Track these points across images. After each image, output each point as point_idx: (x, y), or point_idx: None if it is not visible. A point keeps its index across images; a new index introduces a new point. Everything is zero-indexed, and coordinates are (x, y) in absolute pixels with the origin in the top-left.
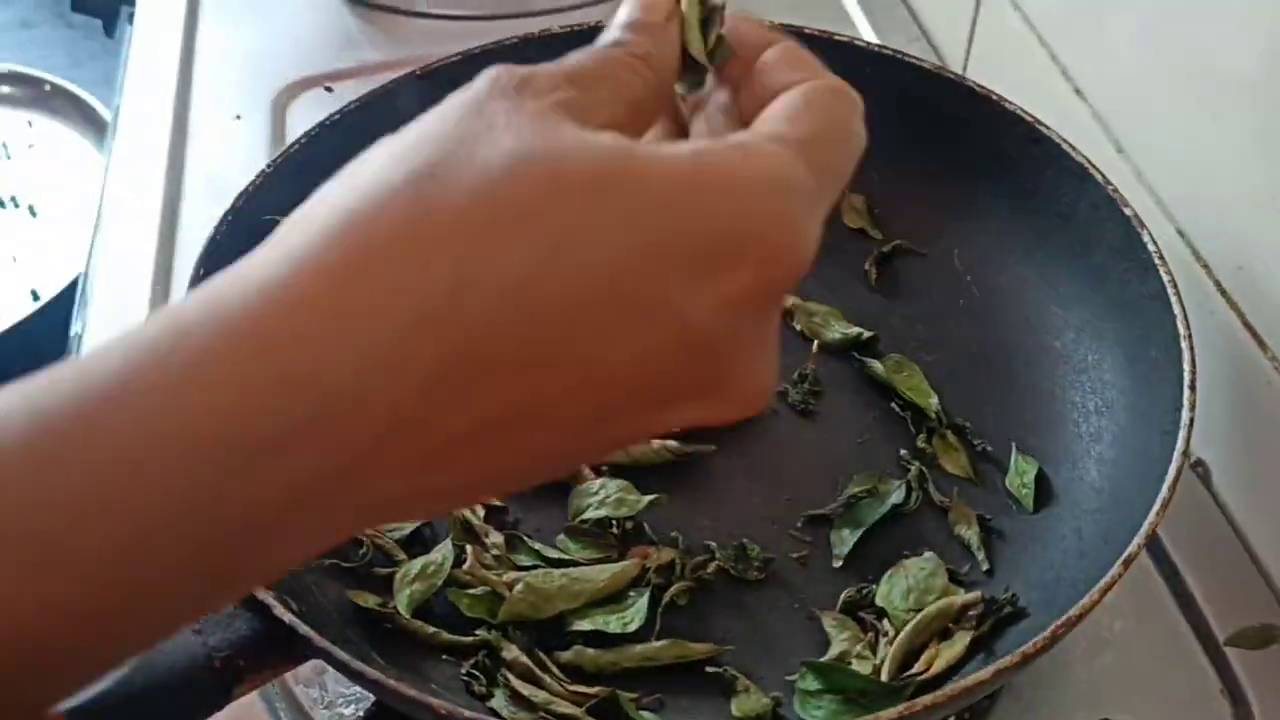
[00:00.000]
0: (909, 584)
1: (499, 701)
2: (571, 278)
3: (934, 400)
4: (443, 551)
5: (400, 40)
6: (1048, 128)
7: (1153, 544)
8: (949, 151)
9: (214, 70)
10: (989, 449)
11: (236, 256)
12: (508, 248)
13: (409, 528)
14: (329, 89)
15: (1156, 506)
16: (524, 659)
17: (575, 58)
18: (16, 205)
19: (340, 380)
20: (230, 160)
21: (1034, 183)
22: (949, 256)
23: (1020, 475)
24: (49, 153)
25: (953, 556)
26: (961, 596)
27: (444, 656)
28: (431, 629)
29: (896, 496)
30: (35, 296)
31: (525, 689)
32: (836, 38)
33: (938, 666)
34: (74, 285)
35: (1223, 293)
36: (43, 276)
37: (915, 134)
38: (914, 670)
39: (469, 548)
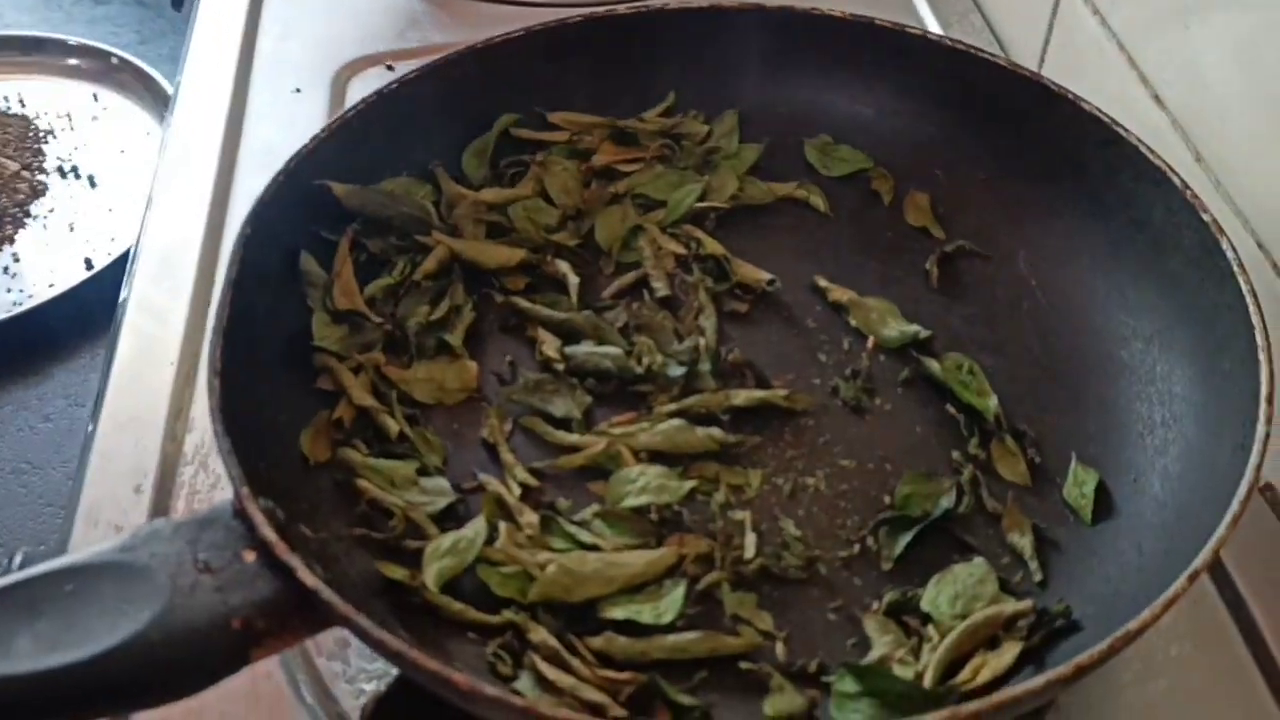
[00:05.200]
0: (957, 590)
1: (524, 684)
2: None
3: (993, 403)
4: (475, 528)
5: (465, 23)
6: (1125, 129)
7: (1216, 569)
8: (1019, 151)
9: (276, 46)
10: (1047, 457)
11: (284, 219)
12: None
13: (443, 502)
14: (390, 67)
15: (1227, 520)
16: (552, 642)
17: None
18: (77, 176)
19: None
20: (287, 133)
21: (1108, 186)
22: (1014, 258)
23: (1079, 485)
24: (112, 126)
25: (1004, 565)
26: (1012, 605)
27: (470, 635)
28: (459, 606)
29: (948, 500)
30: (89, 265)
31: (551, 673)
32: (909, 30)
33: (984, 676)
34: (126, 255)
35: None
36: (97, 245)
37: (984, 132)
38: (959, 679)
39: (502, 526)
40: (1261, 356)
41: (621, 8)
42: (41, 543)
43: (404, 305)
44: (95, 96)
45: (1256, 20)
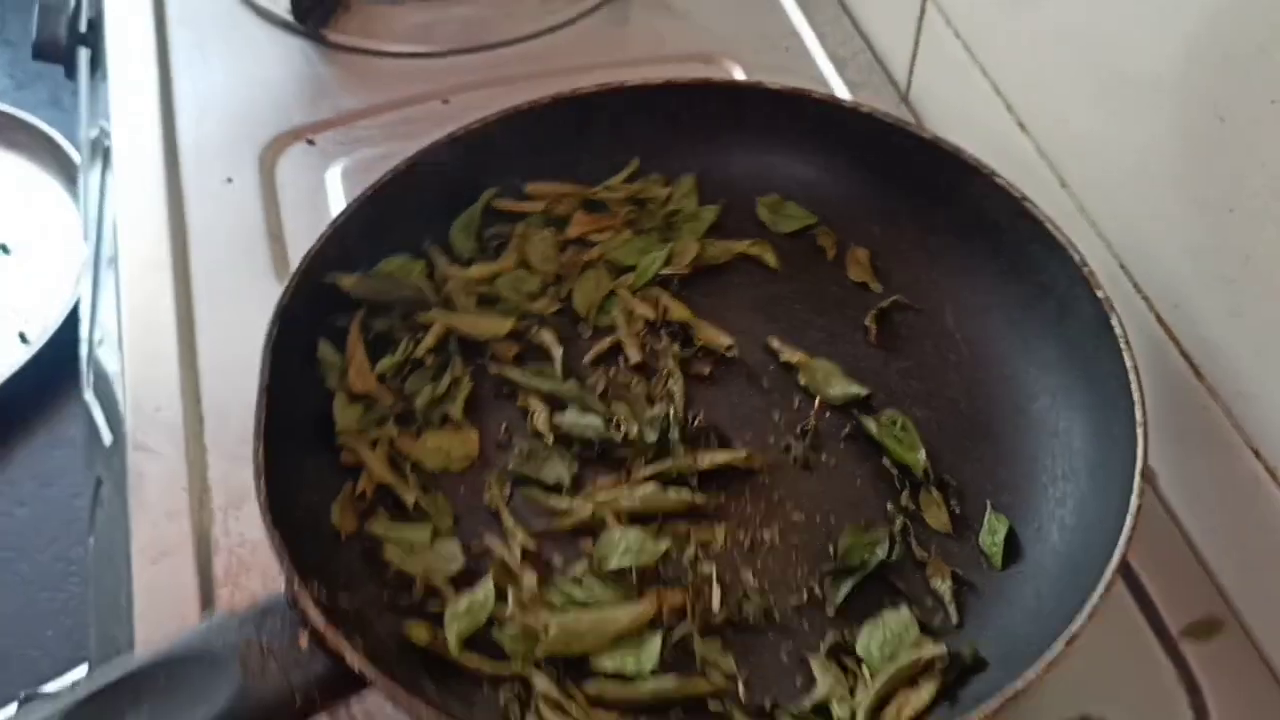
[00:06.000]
0: (885, 636)
1: None
2: None
3: (921, 458)
4: (485, 589)
5: (373, 83)
6: (1034, 204)
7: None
8: (941, 214)
9: (196, 128)
10: (967, 505)
11: (301, 314)
12: None
13: (456, 567)
14: (311, 141)
15: (1094, 599)
16: (554, 692)
17: None
18: None
19: None
20: (230, 223)
21: (1019, 251)
22: (942, 312)
23: (992, 534)
24: (7, 185)
25: (928, 608)
26: (929, 650)
27: (485, 686)
28: (476, 661)
29: (882, 551)
30: (24, 338)
31: (554, 717)
32: (840, 102)
33: (906, 714)
34: (67, 324)
35: (1161, 323)
36: (29, 317)
37: (910, 194)
38: (885, 716)
39: (510, 592)
40: (1139, 431)
41: (586, 85)
42: (49, 628)
43: (411, 382)
44: None
45: (1107, 50)
